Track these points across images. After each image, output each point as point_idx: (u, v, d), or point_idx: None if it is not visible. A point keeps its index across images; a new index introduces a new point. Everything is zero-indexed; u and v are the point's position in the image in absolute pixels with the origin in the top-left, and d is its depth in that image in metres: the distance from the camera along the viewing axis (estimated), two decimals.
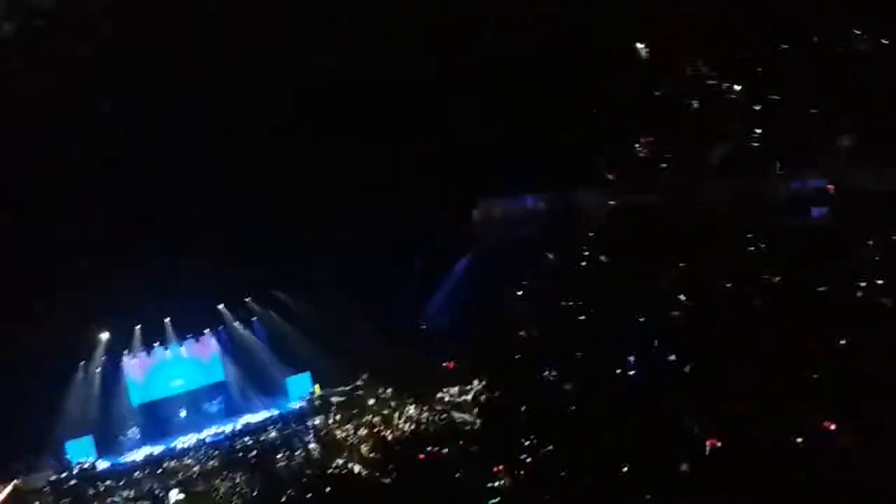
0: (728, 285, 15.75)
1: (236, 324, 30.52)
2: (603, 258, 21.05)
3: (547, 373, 18.78)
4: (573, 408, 15.85)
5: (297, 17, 21.51)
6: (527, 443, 15.03)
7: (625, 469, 11.98)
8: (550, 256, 24.70)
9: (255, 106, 23.00)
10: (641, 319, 17.16)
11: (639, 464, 11.97)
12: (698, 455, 11.68)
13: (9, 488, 23.49)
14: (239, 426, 27.01)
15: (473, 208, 27.35)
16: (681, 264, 17.33)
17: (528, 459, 14.32)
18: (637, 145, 22.53)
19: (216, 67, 21.53)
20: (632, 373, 15.77)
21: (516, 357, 21.14)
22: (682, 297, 16.51)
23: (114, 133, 22.18)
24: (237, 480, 20.44)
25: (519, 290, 24.48)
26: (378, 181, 25.21)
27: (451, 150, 24.72)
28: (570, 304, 21.19)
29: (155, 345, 29.57)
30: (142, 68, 21.11)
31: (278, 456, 22.13)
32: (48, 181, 22.39)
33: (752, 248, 16.21)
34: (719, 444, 11.77)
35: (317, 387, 28.39)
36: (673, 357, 15.36)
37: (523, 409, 17.51)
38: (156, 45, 20.48)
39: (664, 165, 21.07)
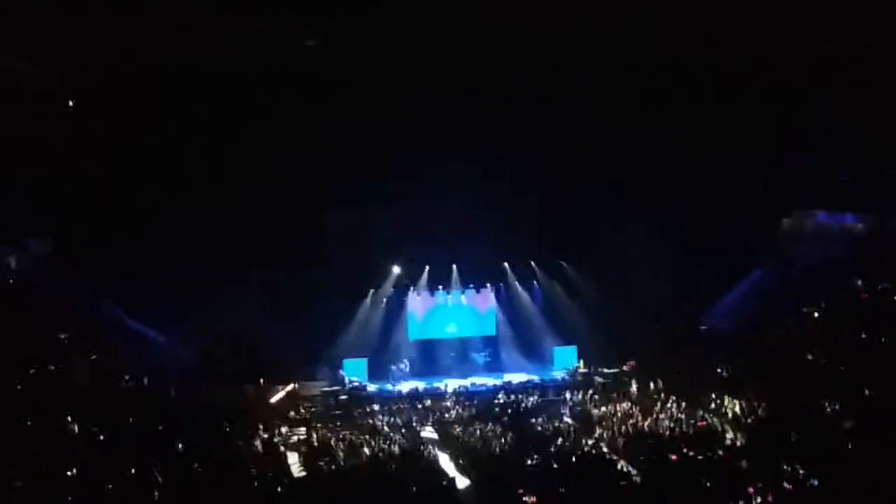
0: None
1: (517, 284, 31.07)
2: None
3: (828, 404, 17.48)
4: (850, 446, 14.68)
5: None
6: (790, 470, 14.15)
7: None
8: (858, 283, 22.79)
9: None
10: None
11: None
12: None
13: (287, 389, 25.66)
14: (500, 382, 27.57)
15: (786, 217, 25.80)
16: None
17: (789, 487, 13.43)
18: None
19: None
20: None
21: (798, 381, 19.85)
22: None
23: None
24: (488, 433, 20.90)
25: (816, 312, 22.85)
26: (693, 173, 24.47)
27: (776, 154, 23.41)
28: (870, 337, 19.50)
29: (439, 287, 30.87)
30: None
31: (532, 420, 22.37)
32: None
33: None
34: None
35: (581, 362, 28.32)
36: None
37: (795, 435, 16.46)
38: None
39: None
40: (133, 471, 14.68)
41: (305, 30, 20.95)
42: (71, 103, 23.20)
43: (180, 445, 16.85)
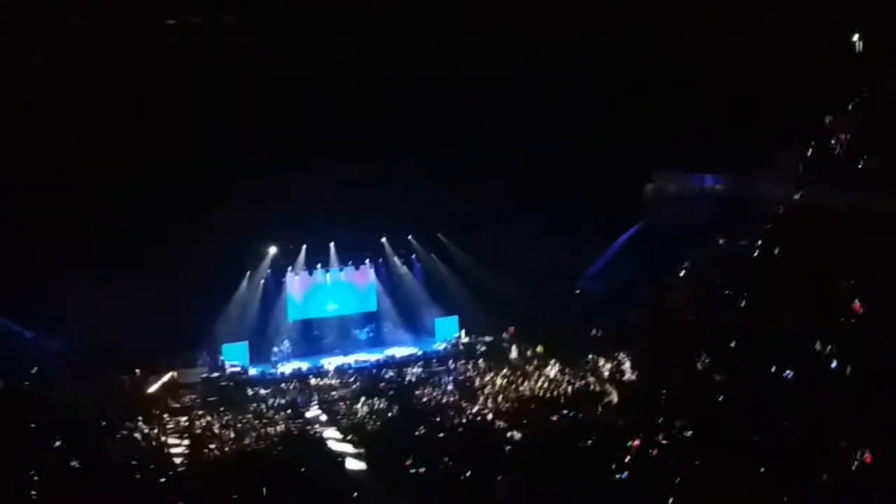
0: None
1: (396, 259, 31.17)
2: (777, 251, 20.15)
3: (698, 359, 18.31)
4: (721, 398, 15.44)
5: None
6: (665, 423, 14.78)
7: (762, 469, 11.55)
8: (721, 241, 23.88)
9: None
10: (808, 320, 16.41)
11: (780, 466, 11.50)
12: (844, 468, 11.10)
13: (166, 378, 25.05)
14: (383, 357, 27.72)
15: (649, 180, 26.66)
16: (862, 269, 16.38)
17: (665, 441, 14.04)
18: (834, 140, 21.30)
19: None
20: (789, 374, 15.13)
21: (668, 338, 20.72)
22: (858, 304, 15.62)
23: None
24: (375, 407, 21.01)
25: (682, 272, 23.83)
26: (556, 142, 24.95)
27: (633, 118, 24.12)
28: (734, 293, 20.49)
29: (317, 266, 30.62)
30: None
31: (417, 392, 22.60)
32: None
33: None
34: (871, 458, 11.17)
35: (462, 332, 28.73)
36: (836, 364, 14.64)
37: (666, 391, 17.20)
38: None
39: (861, 165, 19.83)
40: (9, 471, 14.09)
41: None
42: None
43: (57, 443, 16.23)
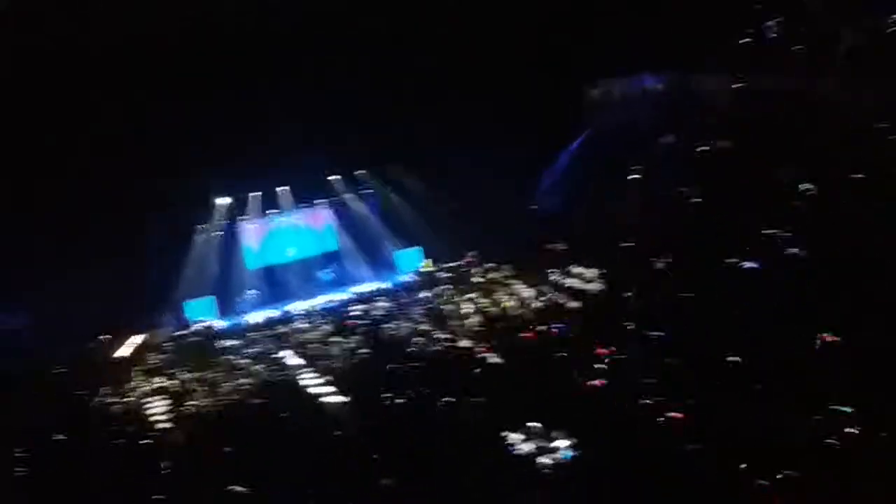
0: (860, 177, 15.04)
1: (349, 196, 31.01)
2: (725, 144, 20.37)
3: (657, 260, 18.61)
4: (683, 296, 15.69)
5: None
6: (632, 327, 15.04)
7: (734, 361, 11.78)
8: (668, 140, 24.05)
9: None
10: (762, 209, 16.68)
11: (750, 365, 11.69)
12: (810, 362, 11.34)
13: (135, 340, 24.95)
14: (350, 296, 27.72)
15: (591, 88, 26.67)
16: (809, 153, 16.64)
17: (634, 344, 14.28)
18: (768, 24, 21.38)
19: None
20: (749, 265, 15.43)
21: (626, 244, 20.98)
22: (809, 186, 15.90)
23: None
24: (347, 345, 21.10)
25: (633, 175, 24.04)
26: (495, 56, 24.75)
27: (567, 25, 23.99)
28: (687, 190, 20.75)
29: (270, 212, 30.34)
30: None
31: (386, 326, 22.71)
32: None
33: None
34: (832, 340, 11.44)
35: (428, 262, 28.84)
36: (795, 251, 14.95)
37: (629, 295, 17.47)
38: None
39: (797, 48, 19.98)
40: None
41: None
42: None
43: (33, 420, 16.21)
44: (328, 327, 23.96)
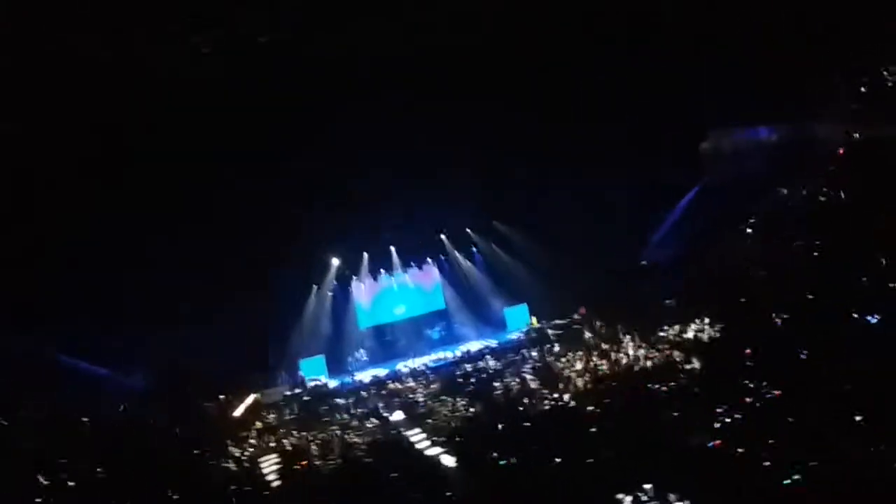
0: None
1: (457, 254, 31.25)
2: (843, 194, 19.68)
3: (776, 316, 17.97)
4: (804, 354, 15.10)
5: None
6: (751, 386, 14.52)
7: (857, 419, 11.25)
8: (784, 192, 23.41)
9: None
10: (885, 261, 15.99)
11: (873, 419, 11.17)
12: None
13: (249, 400, 25.52)
14: (458, 353, 27.77)
15: (702, 140, 26.28)
16: None
17: (754, 403, 13.79)
18: (885, 72, 20.73)
19: None
20: (873, 319, 14.75)
21: (743, 298, 20.36)
22: None
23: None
24: (456, 404, 21.07)
25: (748, 227, 23.44)
26: (603, 111, 24.66)
27: (680, 78, 23.74)
28: (805, 243, 20.07)
29: (381, 272, 30.85)
30: None
31: (495, 384, 22.58)
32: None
33: None
34: None
35: (534, 319, 28.67)
36: None
37: (748, 351, 16.89)
38: None
39: None
40: None
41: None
42: None
43: (154, 478, 16.62)
44: (436, 386, 24.02)
